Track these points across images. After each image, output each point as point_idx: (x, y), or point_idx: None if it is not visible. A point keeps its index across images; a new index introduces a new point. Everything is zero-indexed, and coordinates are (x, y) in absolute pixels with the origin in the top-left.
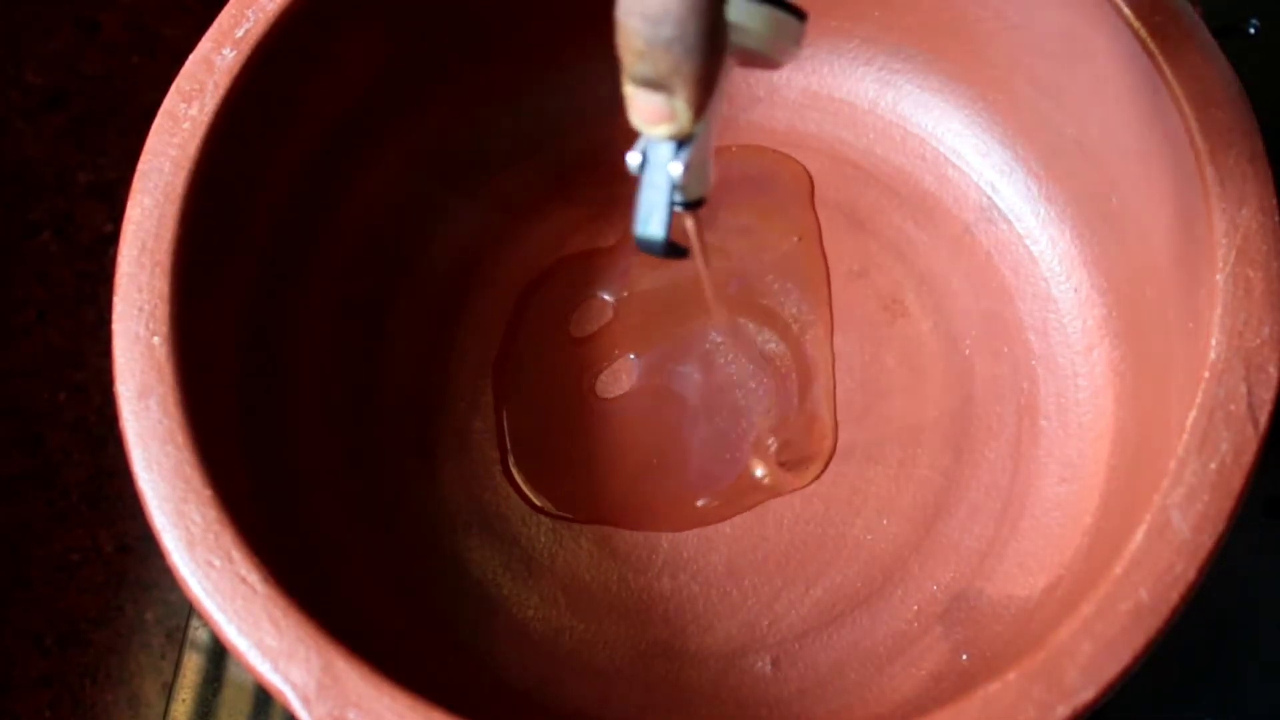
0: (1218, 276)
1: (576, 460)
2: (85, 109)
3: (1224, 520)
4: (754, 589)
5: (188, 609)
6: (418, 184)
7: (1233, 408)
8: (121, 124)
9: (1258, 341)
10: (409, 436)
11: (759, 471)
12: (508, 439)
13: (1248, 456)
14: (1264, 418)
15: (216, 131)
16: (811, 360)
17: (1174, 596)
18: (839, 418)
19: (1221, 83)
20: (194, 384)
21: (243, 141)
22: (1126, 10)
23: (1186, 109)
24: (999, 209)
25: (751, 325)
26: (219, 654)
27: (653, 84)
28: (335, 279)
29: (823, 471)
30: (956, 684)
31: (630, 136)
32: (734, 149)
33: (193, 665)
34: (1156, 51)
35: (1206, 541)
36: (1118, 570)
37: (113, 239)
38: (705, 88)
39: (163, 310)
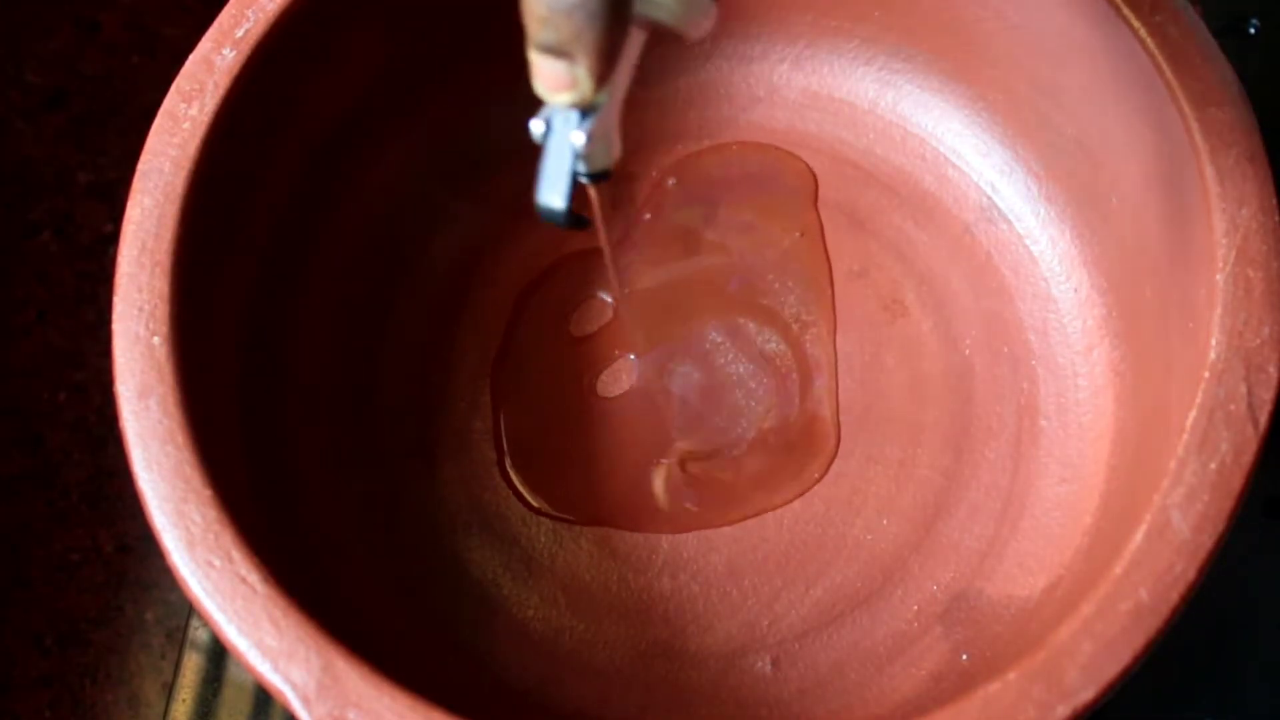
0: (1218, 276)
1: (576, 461)
2: (85, 109)
3: (1224, 520)
4: (754, 589)
5: (188, 609)
6: (418, 184)
7: (1233, 408)
8: (121, 124)
9: (1258, 341)
10: (409, 436)
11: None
12: (505, 441)
13: (1248, 456)
14: (1264, 418)
15: (216, 131)
16: (812, 360)
17: (1174, 596)
18: (839, 418)
19: (1221, 83)
20: (194, 384)
21: (243, 141)
22: (1126, 10)
23: (1186, 109)
24: (999, 209)
25: (752, 325)
26: (219, 654)
27: (555, 51)
28: (335, 279)
29: (824, 473)
30: (956, 684)
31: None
32: (734, 146)
33: (193, 665)
34: (1156, 51)
35: (1206, 541)
36: (1118, 570)
37: (113, 239)
38: (608, 57)
39: (163, 310)
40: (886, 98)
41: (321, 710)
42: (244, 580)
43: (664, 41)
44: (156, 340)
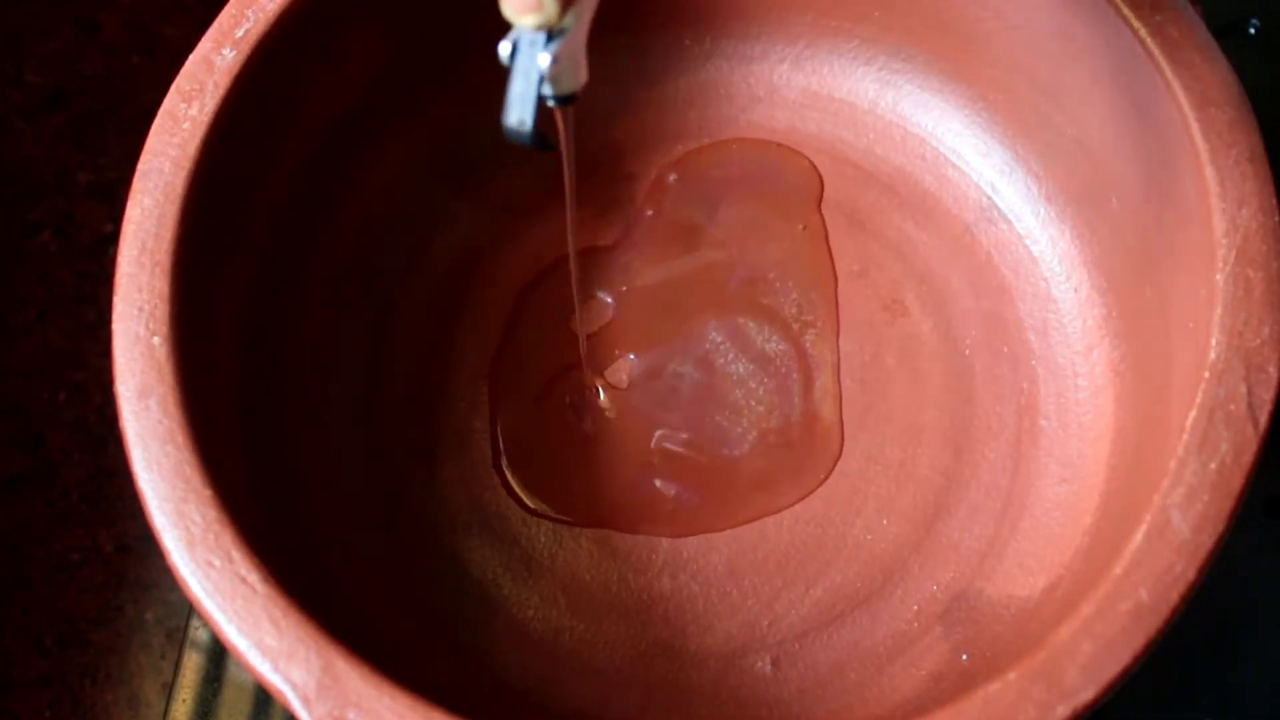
0: (1218, 276)
1: (574, 462)
2: (85, 109)
3: (1224, 520)
4: (754, 589)
5: (188, 609)
6: (418, 184)
7: (1233, 408)
8: (121, 124)
9: (1258, 341)
10: (409, 436)
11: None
12: (502, 442)
13: (1248, 456)
14: (1264, 418)
15: (216, 131)
16: (813, 360)
17: (1174, 596)
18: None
19: (1221, 83)
20: (194, 384)
21: (243, 141)
22: (1126, 10)
23: (1186, 109)
24: (999, 209)
25: (752, 324)
26: (219, 654)
27: None
28: (335, 279)
29: (829, 475)
30: (956, 684)
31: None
32: (736, 143)
33: (193, 665)
34: (1156, 51)
35: (1206, 541)
36: (1118, 570)
37: (113, 239)
38: None
39: (163, 310)
40: (886, 98)
41: (321, 710)
42: (244, 580)
43: (665, 41)
44: (156, 340)
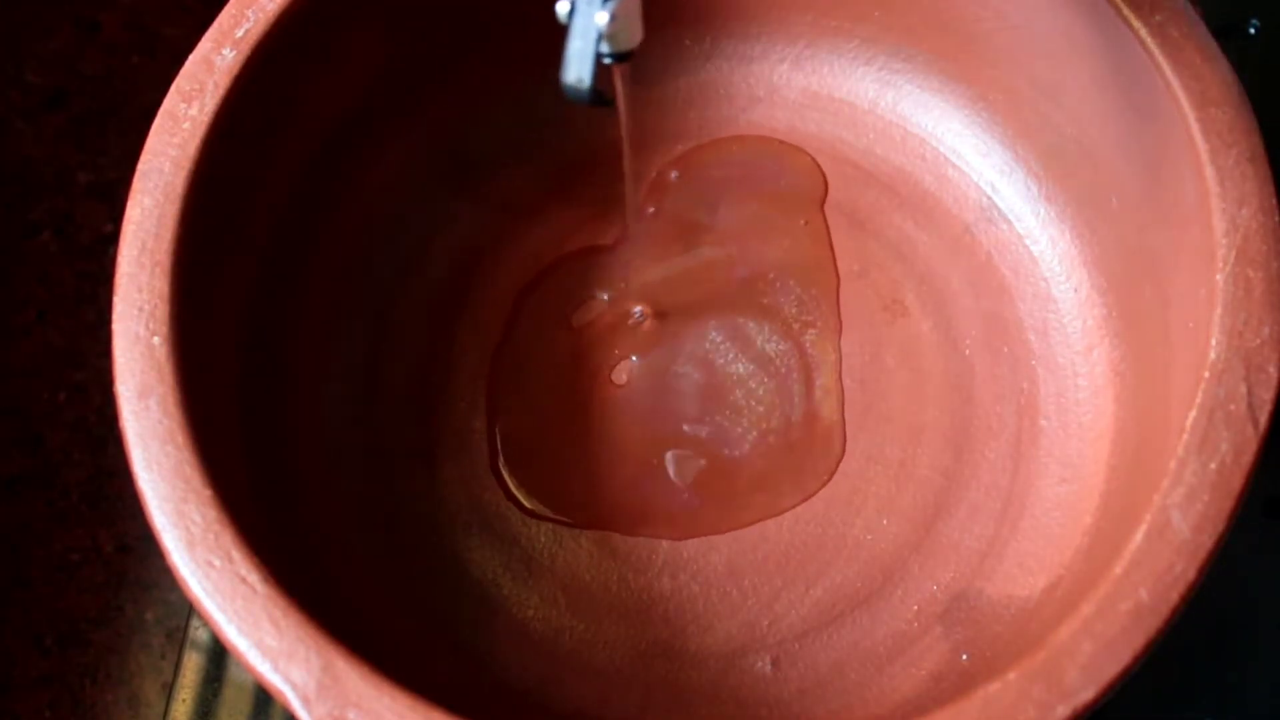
0: (1218, 276)
1: (573, 463)
2: (85, 109)
3: (1224, 520)
4: (754, 589)
5: (188, 609)
6: (418, 184)
7: (1233, 408)
8: (121, 124)
9: (1258, 341)
10: (409, 436)
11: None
12: (499, 444)
13: (1248, 456)
14: (1264, 418)
15: (216, 131)
16: (814, 360)
17: (1174, 596)
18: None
19: (1221, 83)
20: (194, 384)
21: (243, 141)
22: (1126, 10)
23: (1186, 109)
24: (999, 209)
25: (753, 323)
26: (219, 654)
27: None
28: (335, 279)
29: (831, 476)
30: (956, 684)
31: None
32: (738, 140)
33: (193, 665)
34: (1156, 51)
35: (1206, 541)
36: (1118, 570)
37: (113, 239)
38: None
39: (163, 310)
40: (886, 98)
41: (321, 710)
42: (244, 580)
43: (665, 41)
44: (156, 340)
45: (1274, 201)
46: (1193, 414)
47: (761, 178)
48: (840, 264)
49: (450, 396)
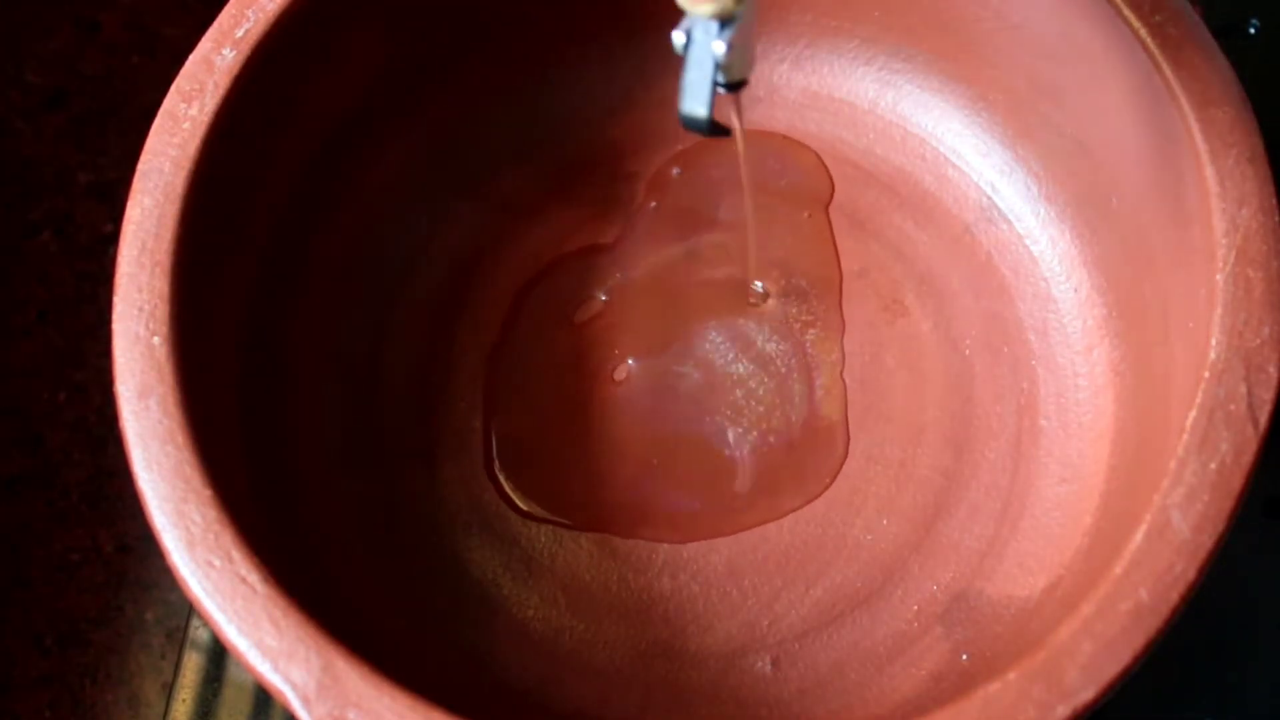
0: (1218, 276)
1: (572, 465)
2: (85, 109)
3: (1224, 520)
4: (754, 589)
5: (188, 609)
6: (418, 183)
7: (1233, 408)
8: (121, 124)
9: (1258, 341)
10: (409, 436)
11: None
12: (495, 445)
13: (1248, 456)
14: (1264, 418)
15: (216, 131)
16: (815, 359)
17: (1174, 596)
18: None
19: (1221, 83)
20: (194, 384)
21: (243, 141)
22: (1126, 10)
23: (1186, 109)
24: (999, 209)
25: (753, 323)
26: (219, 654)
27: None
28: (335, 279)
29: (834, 478)
30: (956, 684)
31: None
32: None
33: (193, 665)
34: (1156, 51)
35: (1206, 541)
36: (1118, 570)
37: (113, 239)
38: None
39: (163, 310)
40: (886, 98)
41: (321, 710)
42: (244, 580)
43: (665, 41)
44: (156, 340)
45: (1274, 201)
46: (1193, 414)
47: (764, 175)
48: (840, 264)
49: (450, 396)
